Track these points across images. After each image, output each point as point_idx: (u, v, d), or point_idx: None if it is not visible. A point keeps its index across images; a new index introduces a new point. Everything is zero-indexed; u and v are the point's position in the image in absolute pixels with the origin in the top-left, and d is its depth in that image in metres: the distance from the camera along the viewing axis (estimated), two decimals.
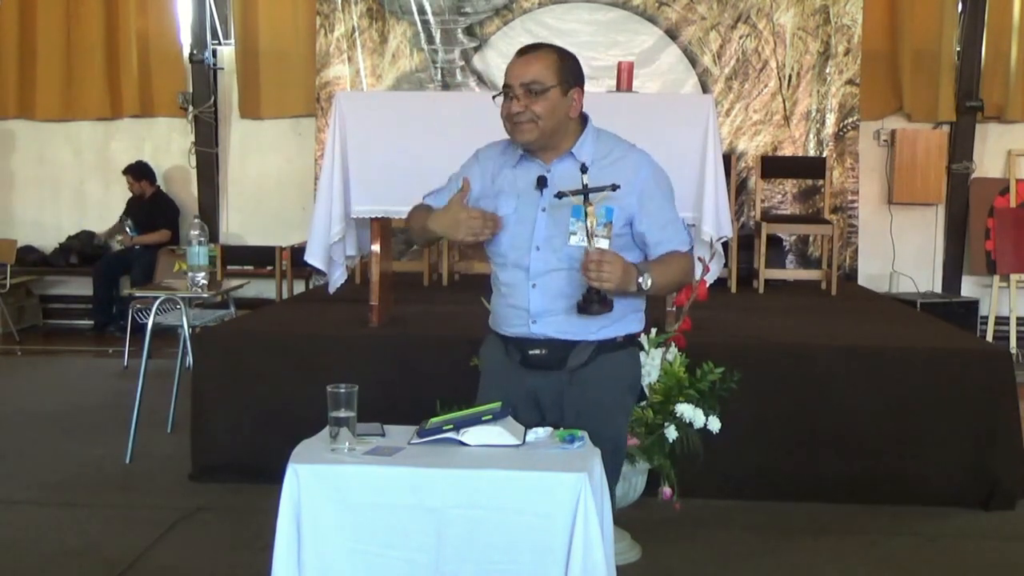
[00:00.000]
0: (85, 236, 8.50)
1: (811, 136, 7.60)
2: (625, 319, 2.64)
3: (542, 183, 2.54)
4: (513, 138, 2.58)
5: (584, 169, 2.45)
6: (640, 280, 2.47)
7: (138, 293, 5.17)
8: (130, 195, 8.21)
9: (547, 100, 2.51)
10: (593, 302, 2.46)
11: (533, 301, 2.57)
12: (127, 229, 7.90)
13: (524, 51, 2.58)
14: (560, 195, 2.49)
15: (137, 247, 7.95)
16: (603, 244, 2.45)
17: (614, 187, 2.46)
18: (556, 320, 2.57)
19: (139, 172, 8.15)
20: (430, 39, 7.83)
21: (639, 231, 2.59)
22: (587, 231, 2.43)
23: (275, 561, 2.26)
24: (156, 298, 4.90)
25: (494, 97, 2.59)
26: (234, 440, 4.31)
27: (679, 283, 2.76)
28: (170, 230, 8.10)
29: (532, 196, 2.57)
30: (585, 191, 2.43)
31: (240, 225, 8.51)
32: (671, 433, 3.45)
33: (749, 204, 7.47)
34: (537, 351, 2.60)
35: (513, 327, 2.62)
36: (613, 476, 2.65)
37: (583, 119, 2.63)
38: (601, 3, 7.66)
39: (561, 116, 2.55)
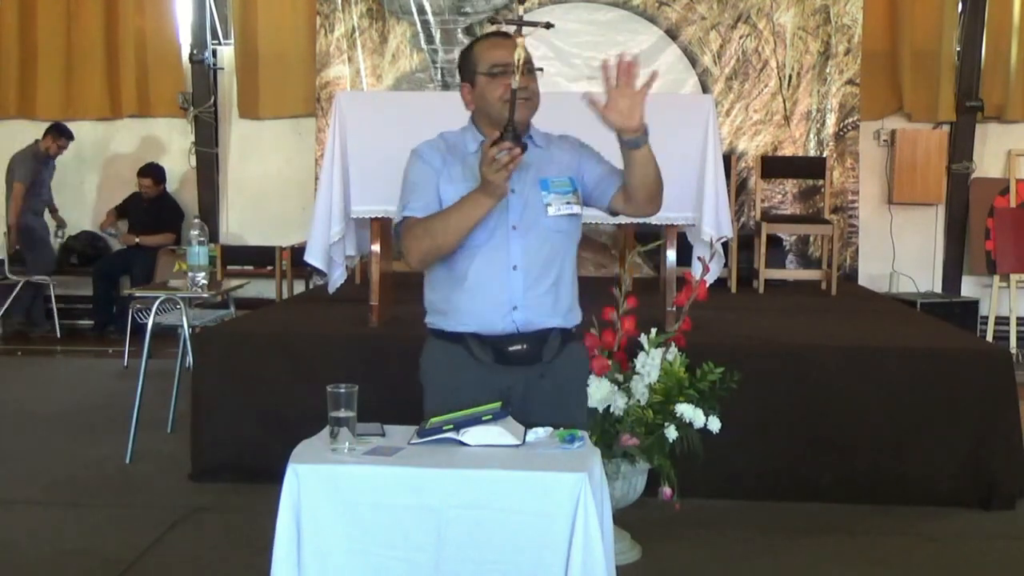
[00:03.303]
0: (85, 236, 8.50)
1: (811, 136, 7.59)
2: (576, 310, 2.65)
3: None
4: (519, 115, 2.44)
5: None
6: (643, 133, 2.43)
7: (138, 293, 5.17)
8: (130, 192, 8.17)
9: (536, 80, 2.53)
10: (508, 134, 2.35)
11: (515, 285, 2.51)
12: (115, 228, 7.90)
13: (502, 35, 2.55)
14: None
15: (136, 245, 7.93)
16: (576, 210, 2.55)
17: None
18: (539, 302, 2.53)
19: (159, 176, 8.08)
20: (430, 39, 7.83)
21: (593, 175, 2.59)
22: (515, 64, 2.36)
23: (275, 561, 2.26)
24: (156, 298, 4.90)
25: (490, 72, 2.51)
26: (234, 440, 4.31)
27: (659, 179, 2.53)
28: (174, 233, 8.07)
29: None
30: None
31: (240, 225, 8.51)
32: (671, 433, 3.45)
33: (749, 204, 7.46)
34: (518, 347, 2.54)
35: (488, 323, 2.53)
36: None
37: None
38: (601, 3, 7.64)
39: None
